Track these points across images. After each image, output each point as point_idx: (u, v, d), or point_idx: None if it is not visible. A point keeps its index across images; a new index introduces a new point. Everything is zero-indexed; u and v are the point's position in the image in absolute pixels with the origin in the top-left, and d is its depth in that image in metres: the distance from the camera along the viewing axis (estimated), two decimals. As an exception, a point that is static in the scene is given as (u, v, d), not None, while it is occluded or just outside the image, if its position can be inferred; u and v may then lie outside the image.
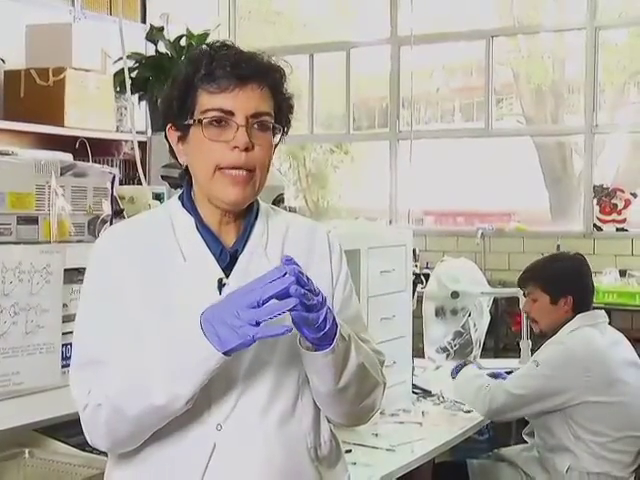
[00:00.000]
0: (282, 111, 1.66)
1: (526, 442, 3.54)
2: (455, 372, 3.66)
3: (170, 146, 1.68)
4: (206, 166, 1.59)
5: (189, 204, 1.67)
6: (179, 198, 1.70)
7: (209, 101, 1.58)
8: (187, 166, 1.66)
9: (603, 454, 3.21)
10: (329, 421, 1.70)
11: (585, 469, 3.21)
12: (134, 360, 1.52)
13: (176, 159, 1.69)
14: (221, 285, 1.60)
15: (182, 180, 1.74)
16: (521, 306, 4.21)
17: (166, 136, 1.68)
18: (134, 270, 1.60)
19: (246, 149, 1.57)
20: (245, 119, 1.57)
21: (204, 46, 1.64)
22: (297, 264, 1.45)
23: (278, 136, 1.65)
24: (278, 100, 1.64)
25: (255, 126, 1.59)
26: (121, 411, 1.52)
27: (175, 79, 1.64)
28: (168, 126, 1.65)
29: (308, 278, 1.45)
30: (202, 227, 1.65)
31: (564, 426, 3.24)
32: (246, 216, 1.68)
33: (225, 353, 1.44)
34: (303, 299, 1.42)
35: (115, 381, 1.53)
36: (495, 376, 3.69)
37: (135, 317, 1.56)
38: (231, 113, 1.57)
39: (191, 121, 1.60)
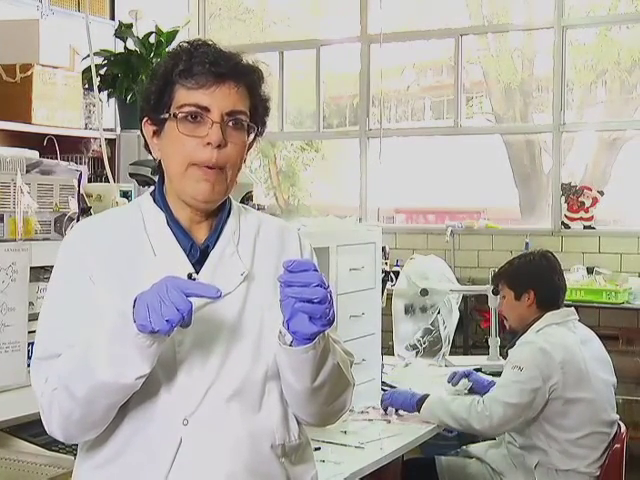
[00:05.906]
0: (258, 112, 1.67)
1: (494, 438, 3.57)
2: (416, 404, 3.33)
3: (145, 140, 1.69)
4: (179, 161, 1.59)
5: (161, 200, 1.68)
6: (151, 194, 1.71)
7: (186, 97, 1.59)
8: (160, 162, 1.67)
9: (572, 451, 3.23)
10: (298, 420, 1.70)
11: (554, 466, 3.24)
12: (85, 341, 1.51)
13: (151, 154, 1.69)
14: (191, 280, 1.59)
15: (155, 175, 1.74)
16: (490, 304, 4.25)
17: (142, 130, 1.68)
18: (104, 263, 1.60)
19: (219, 146, 1.57)
20: (220, 116, 1.58)
21: (184, 43, 1.64)
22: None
23: (252, 135, 1.65)
24: (254, 101, 1.65)
25: (230, 124, 1.60)
26: (72, 392, 1.51)
27: (154, 73, 1.65)
28: (144, 120, 1.66)
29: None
30: (173, 223, 1.65)
31: (535, 424, 3.25)
32: (218, 214, 1.68)
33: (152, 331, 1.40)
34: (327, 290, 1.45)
35: (67, 363, 1.52)
36: (466, 375, 3.71)
37: (102, 308, 1.55)
38: (207, 109, 1.58)
39: (167, 115, 1.60)
